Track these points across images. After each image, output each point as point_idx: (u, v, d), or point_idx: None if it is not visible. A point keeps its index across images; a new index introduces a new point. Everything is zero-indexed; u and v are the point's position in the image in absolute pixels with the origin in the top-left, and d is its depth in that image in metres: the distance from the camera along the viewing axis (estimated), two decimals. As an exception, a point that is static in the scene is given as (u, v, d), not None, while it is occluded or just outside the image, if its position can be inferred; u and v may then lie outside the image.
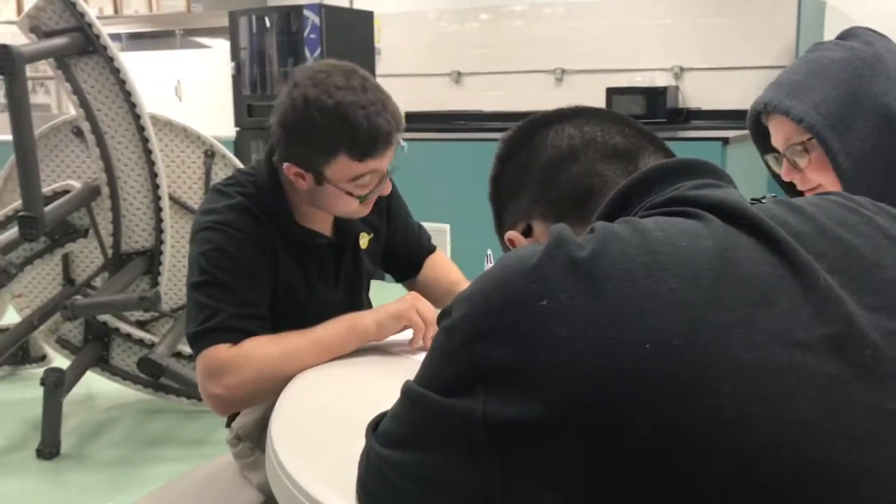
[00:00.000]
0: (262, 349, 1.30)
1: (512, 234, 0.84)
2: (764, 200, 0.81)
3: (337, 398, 1.23)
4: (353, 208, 1.42)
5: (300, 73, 1.37)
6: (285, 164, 1.38)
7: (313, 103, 1.32)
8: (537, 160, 0.83)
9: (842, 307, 0.59)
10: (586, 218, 0.74)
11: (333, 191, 1.38)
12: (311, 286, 1.48)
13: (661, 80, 5.15)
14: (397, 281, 1.75)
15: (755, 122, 1.29)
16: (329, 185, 1.38)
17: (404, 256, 1.70)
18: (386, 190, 1.45)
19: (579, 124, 0.83)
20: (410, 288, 1.74)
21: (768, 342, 0.55)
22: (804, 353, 0.56)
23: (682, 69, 5.16)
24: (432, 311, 1.36)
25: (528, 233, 0.83)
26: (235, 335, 1.31)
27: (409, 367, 1.27)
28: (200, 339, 1.32)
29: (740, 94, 4.84)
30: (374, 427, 0.70)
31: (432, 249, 1.75)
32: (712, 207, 0.64)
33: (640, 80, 5.20)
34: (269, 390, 1.26)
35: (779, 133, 1.24)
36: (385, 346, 1.41)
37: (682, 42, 5.16)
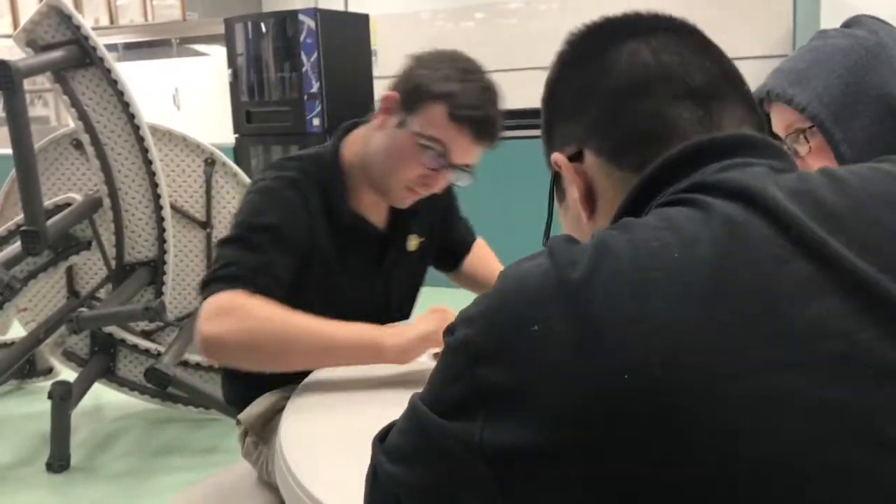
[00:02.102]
0: (266, 312, 1.26)
1: (559, 157, 0.74)
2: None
3: (350, 404, 1.22)
4: (411, 177, 1.41)
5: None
6: (389, 93, 1.41)
7: (453, 53, 1.40)
8: (604, 82, 0.72)
9: (852, 318, 0.52)
10: (644, 165, 0.67)
11: (406, 143, 1.39)
12: (348, 272, 1.47)
13: (658, 73, 5.14)
14: (443, 271, 1.78)
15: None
16: (406, 134, 1.38)
17: (453, 251, 1.74)
18: (439, 186, 1.45)
19: (658, 49, 0.71)
20: (454, 279, 1.78)
21: (758, 366, 0.51)
22: (797, 374, 0.50)
23: (679, 61, 5.13)
24: None
25: (577, 158, 0.73)
26: (246, 286, 1.28)
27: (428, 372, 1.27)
28: (211, 285, 1.30)
29: (738, 84, 4.81)
30: (382, 439, 0.68)
31: (474, 239, 1.78)
32: (731, 194, 0.59)
33: (637, 74, 5.19)
34: (251, 356, 1.25)
35: (780, 120, 1.24)
36: None
37: (678, 34, 5.13)
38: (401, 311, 1.62)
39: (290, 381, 1.36)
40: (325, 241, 1.43)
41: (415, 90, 1.38)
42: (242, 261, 1.31)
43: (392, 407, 1.16)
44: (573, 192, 0.74)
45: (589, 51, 0.75)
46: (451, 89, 1.35)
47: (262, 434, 1.43)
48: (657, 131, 0.68)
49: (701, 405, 0.50)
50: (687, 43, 0.73)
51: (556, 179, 0.77)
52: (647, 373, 0.51)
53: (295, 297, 1.34)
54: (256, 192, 1.40)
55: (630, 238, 0.57)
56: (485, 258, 1.77)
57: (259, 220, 1.36)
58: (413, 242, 1.58)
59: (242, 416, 1.47)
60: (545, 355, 0.53)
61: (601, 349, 0.52)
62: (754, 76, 0.90)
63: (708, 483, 0.49)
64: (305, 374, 1.33)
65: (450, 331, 0.61)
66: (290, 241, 1.37)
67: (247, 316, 1.25)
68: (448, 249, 1.72)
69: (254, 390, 1.48)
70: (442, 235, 1.67)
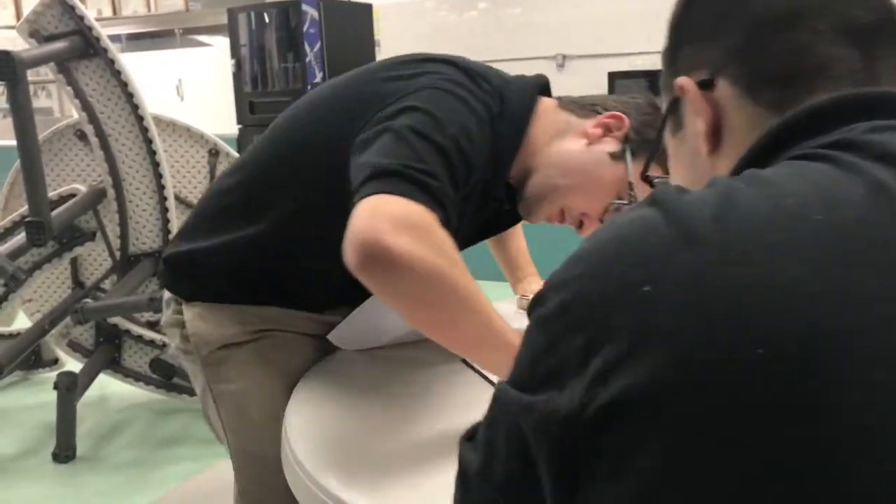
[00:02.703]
0: (458, 258, 0.99)
1: (686, 81, 0.65)
2: None
3: (356, 395, 1.21)
4: (575, 208, 1.26)
5: None
6: (621, 114, 1.24)
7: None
8: (752, 5, 0.63)
9: None
10: (784, 103, 0.59)
11: (609, 181, 1.23)
12: (463, 219, 1.26)
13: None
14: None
15: None
16: (618, 171, 1.22)
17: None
18: (581, 231, 1.28)
19: None
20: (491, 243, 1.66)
21: None
22: None
23: (683, 51, 5.11)
24: None
25: (707, 85, 0.65)
26: (440, 211, 1.00)
27: (440, 365, 1.27)
28: (401, 178, 0.99)
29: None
30: (469, 438, 0.60)
31: None
32: (882, 157, 0.52)
33: (641, 64, 5.18)
34: (418, 295, 0.96)
35: None
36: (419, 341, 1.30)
37: (682, 23, 5.12)
38: None
39: (249, 303, 1.28)
40: (476, 190, 1.22)
41: (646, 121, 1.23)
42: (442, 179, 1.04)
43: (399, 397, 1.17)
44: (697, 124, 0.66)
45: None
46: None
47: (208, 361, 1.32)
48: (805, 71, 0.61)
49: (840, 393, 0.45)
50: None
51: (675, 107, 0.69)
52: (782, 349, 0.45)
53: None
54: (465, 105, 1.15)
55: (762, 193, 0.51)
56: (515, 232, 1.67)
57: (466, 147, 1.10)
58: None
59: (192, 326, 1.33)
60: (658, 321, 0.47)
61: (730, 319, 0.46)
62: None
63: (842, 481, 0.44)
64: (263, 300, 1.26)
65: (538, 301, 0.55)
66: (468, 184, 1.14)
67: (443, 251, 0.97)
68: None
69: (210, 290, 1.35)
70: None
